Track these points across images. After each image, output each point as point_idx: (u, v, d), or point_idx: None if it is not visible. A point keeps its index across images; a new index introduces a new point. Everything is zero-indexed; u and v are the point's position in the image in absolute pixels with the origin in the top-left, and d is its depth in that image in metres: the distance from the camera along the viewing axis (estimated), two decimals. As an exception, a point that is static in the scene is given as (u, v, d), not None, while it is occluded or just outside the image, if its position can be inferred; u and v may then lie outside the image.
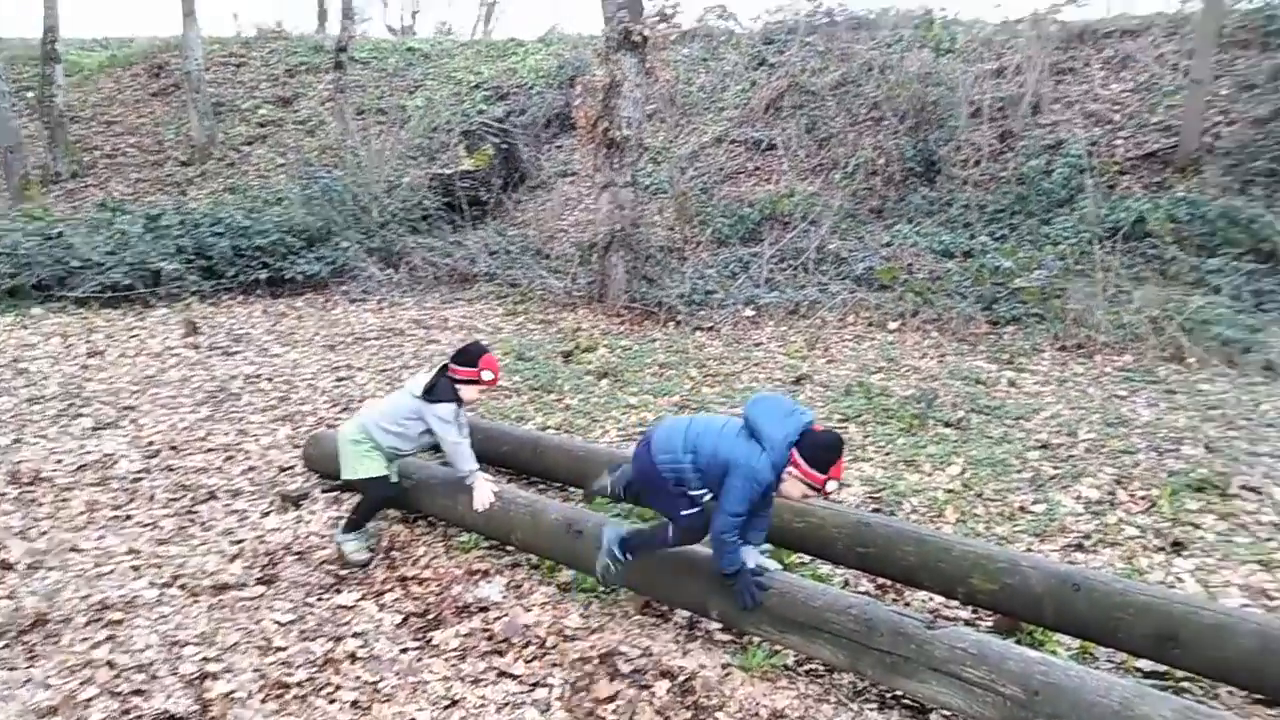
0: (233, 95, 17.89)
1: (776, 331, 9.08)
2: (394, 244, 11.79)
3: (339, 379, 7.43)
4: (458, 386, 4.16)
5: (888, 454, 5.63)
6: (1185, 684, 3.24)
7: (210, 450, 5.78)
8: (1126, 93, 11.75)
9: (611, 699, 3.22)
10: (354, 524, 4.33)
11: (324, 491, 4.96)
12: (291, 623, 3.76)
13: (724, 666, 3.39)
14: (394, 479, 4.42)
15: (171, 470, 5.42)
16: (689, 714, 3.13)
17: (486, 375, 4.15)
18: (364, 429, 4.33)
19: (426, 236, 12.27)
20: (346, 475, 4.42)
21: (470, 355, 4.16)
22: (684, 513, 3.26)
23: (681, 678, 3.33)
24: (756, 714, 3.13)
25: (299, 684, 3.29)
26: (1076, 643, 3.50)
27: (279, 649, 3.54)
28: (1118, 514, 4.65)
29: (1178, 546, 4.27)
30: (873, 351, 8.17)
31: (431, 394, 4.17)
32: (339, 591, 4.04)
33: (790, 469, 3.00)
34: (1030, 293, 8.68)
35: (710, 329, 9.27)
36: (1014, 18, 13.55)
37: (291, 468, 5.49)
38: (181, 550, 4.39)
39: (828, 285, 9.98)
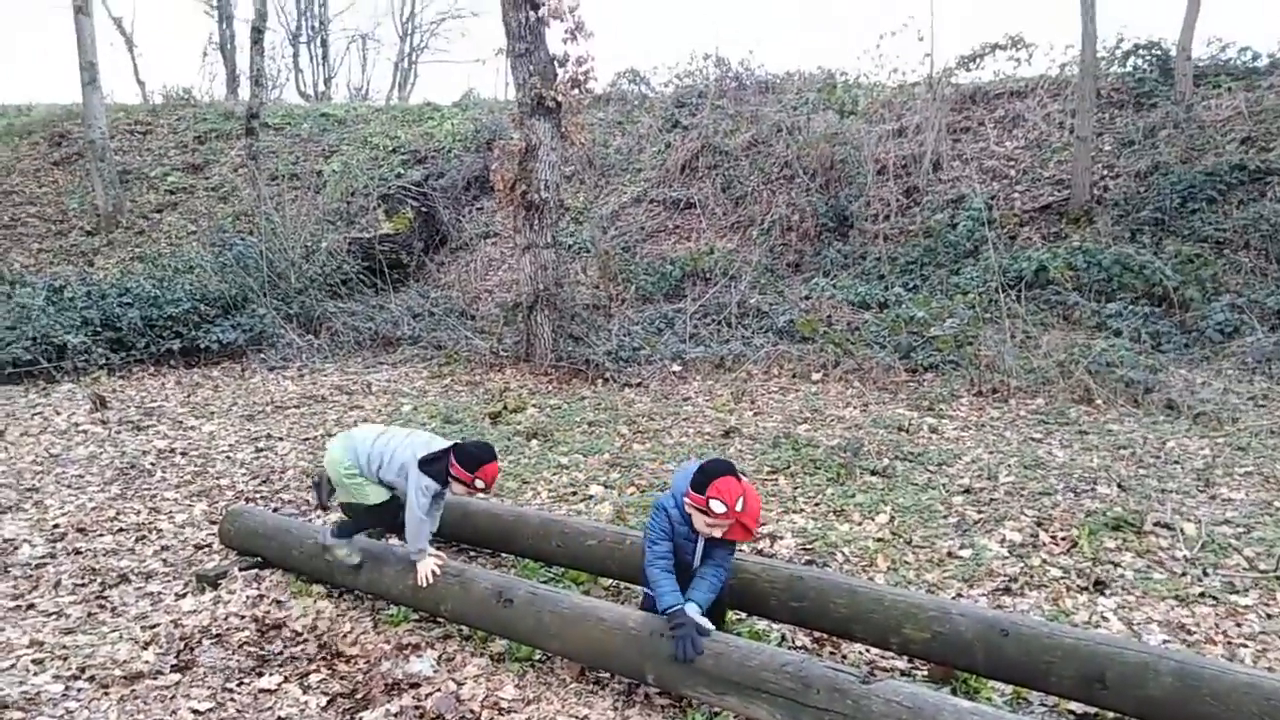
0: (140, 163, 17.45)
1: (704, 386, 9.17)
2: (313, 309, 11.58)
3: (258, 450, 7.19)
4: (450, 478, 4.02)
5: (818, 504, 5.70)
6: (1114, 723, 3.32)
7: (121, 531, 5.50)
8: (1020, 149, 12.43)
9: (552, 774, 3.13)
10: (345, 530, 4.26)
11: (242, 569, 4.75)
12: (210, 710, 3.56)
13: (666, 732, 3.34)
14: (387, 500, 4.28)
15: (79, 554, 5.13)
16: (632, 785, 3.06)
17: (479, 484, 3.98)
18: (360, 468, 4.17)
19: (347, 301, 12.09)
20: (341, 499, 4.34)
21: (473, 462, 3.96)
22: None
23: (622, 747, 3.27)
24: (700, 780, 3.09)
25: (220, 780, 3.11)
26: (1010, 688, 3.56)
27: (198, 743, 3.35)
28: (1041, 555, 4.78)
29: (1100, 586, 4.41)
30: (798, 403, 8.31)
31: (427, 466, 4.03)
32: (260, 675, 3.85)
33: (686, 500, 3.32)
34: (944, 341, 8.99)
35: (638, 385, 9.30)
36: (910, 81, 14.26)
37: (208, 545, 5.25)
38: (90, 639, 4.13)
39: (751, 339, 10.17)
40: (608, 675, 3.76)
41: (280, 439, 7.50)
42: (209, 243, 12.91)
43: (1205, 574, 4.46)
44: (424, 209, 14.12)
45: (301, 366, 10.42)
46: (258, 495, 6.15)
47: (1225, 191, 10.07)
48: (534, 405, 8.49)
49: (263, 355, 10.71)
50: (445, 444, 4.12)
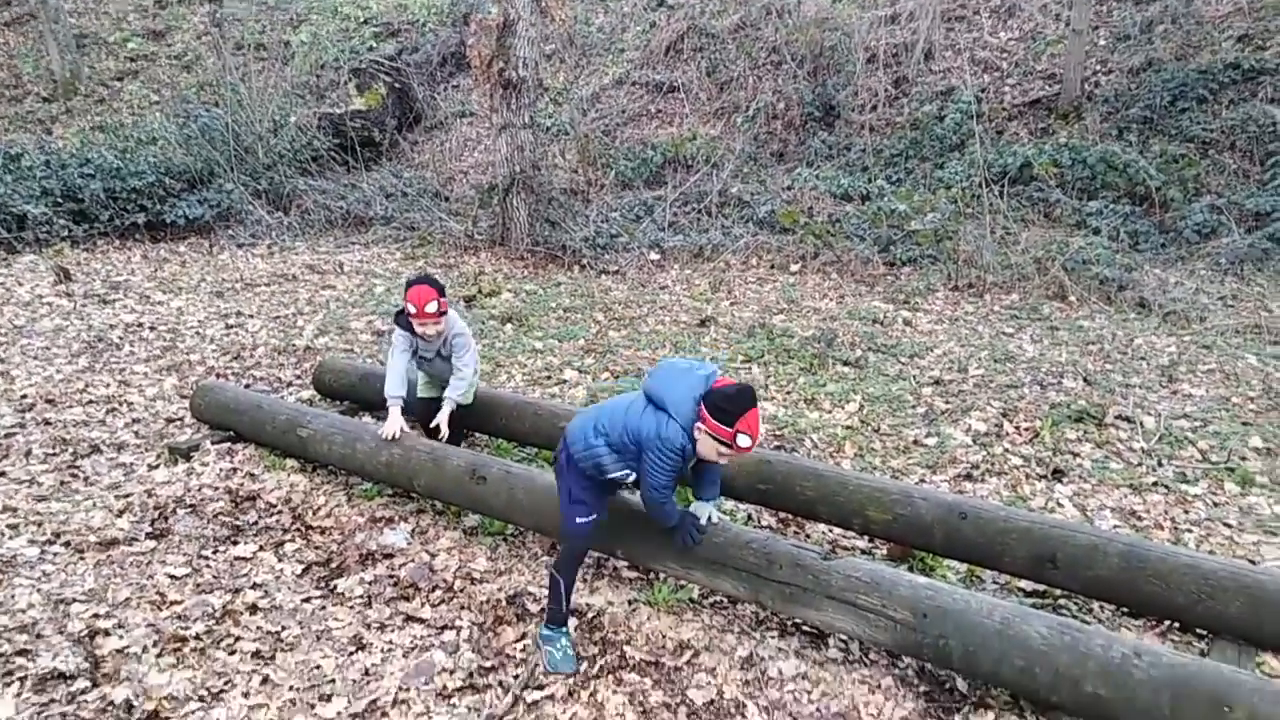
0: (97, 27, 16.58)
1: (681, 275, 9.12)
2: (282, 186, 11.27)
3: (228, 326, 7.11)
4: (405, 317, 4.12)
5: (789, 393, 5.76)
6: (1063, 601, 3.47)
7: (91, 403, 5.47)
8: (1013, 41, 12.09)
9: (520, 638, 3.24)
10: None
11: (215, 443, 4.77)
12: (186, 576, 3.63)
13: (630, 603, 3.45)
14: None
15: (49, 424, 5.11)
16: (596, 649, 3.18)
17: (409, 307, 4.00)
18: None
19: (318, 179, 11.77)
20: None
21: (406, 287, 4.07)
22: (576, 520, 3.10)
23: (589, 615, 3.38)
24: (663, 646, 3.21)
25: (196, 636, 3.19)
26: (964, 567, 3.70)
27: (174, 603, 3.42)
28: (1004, 444, 4.90)
29: (1058, 474, 4.53)
30: (775, 293, 8.30)
31: (398, 318, 4.18)
32: (235, 544, 3.91)
33: (699, 425, 2.82)
34: (925, 235, 8.95)
35: (615, 272, 9.24)
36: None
37: (180, 419, 5.25)
38: (64, 506, 4.17)
39: (731, 228, 10.06)
40: (577, 549, 3.85)
41: (251, 316, 7.41)
42: (173, 113, 12.42)
43: (1160, 464, 4.60)
44: (397, 85, 13.62)
45: (271, 244, 10.22)
46: (229, 371, 6.12)
47: (1217, 91, 9.90)
48: (509, 290, 8.43)
49: (231, 232, 10.48)
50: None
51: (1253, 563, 3.62)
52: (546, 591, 3.24)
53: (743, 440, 2.77)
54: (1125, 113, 10.08)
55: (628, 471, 3.04)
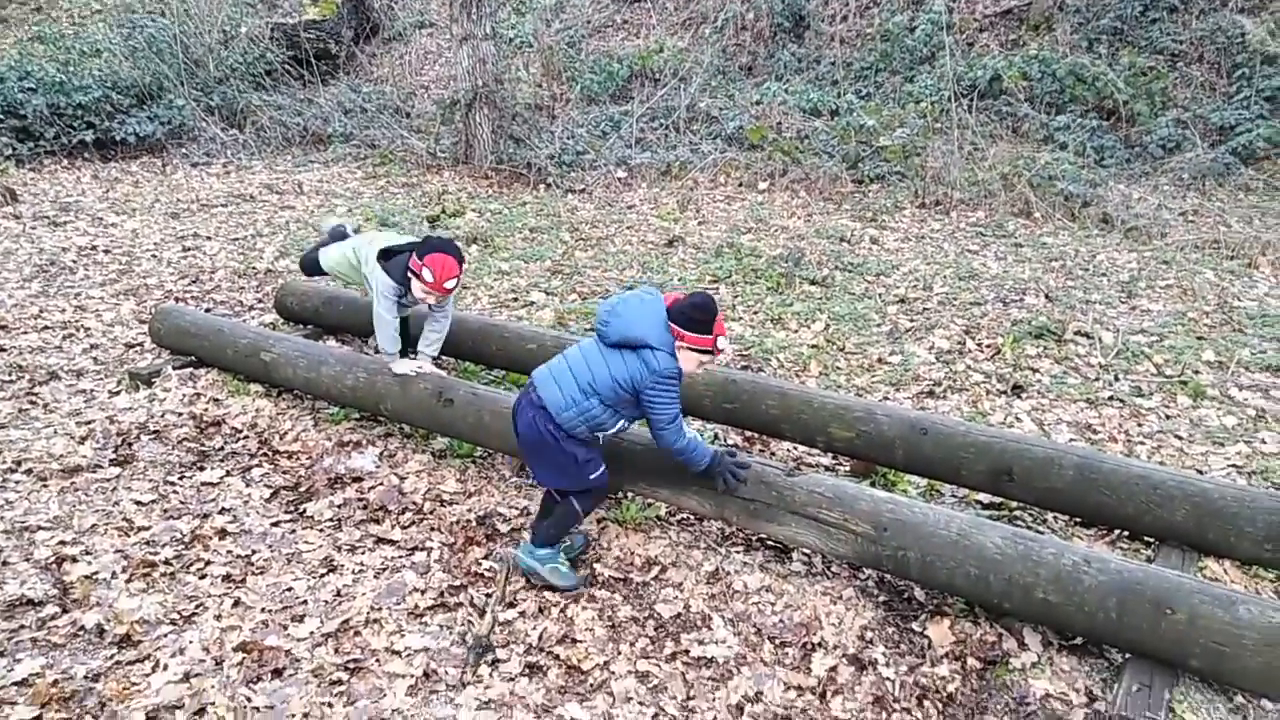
0: (30, -73, 15.64)
1: (649, 193, 9.01)
2: (236, 102, 10.87)
3: (186, 249, 6.95)
4: (409, 274, 3.72)
5: (756, 313, 5.78)
6: (1018, 513, 3.58)
7: (46, 328, 5.36)
8: (989, -53, 11.81)
9: (487, 556, 3.30)
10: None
11: (177, 368, 4.71)
12: (153, 502, 3.62)
13: (599, 522, 3.50)
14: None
15: (3, 351, 5.00)
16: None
17: (426, 275, 3.60)
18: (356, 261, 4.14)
19: (273, 94, 11.36)
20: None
21: (422, 251, 3.65)
22: (591, 476, 3.02)
23: (559, 534, 3.43)
24: (632, 563, 3.28)
25: (166, 561, 3.20)
26: (925, 482, 3.79)
27: (141, 529, 3.42)
28: (966, 361, 4.97)
29: (1018, 389, 4.62)
30: (743, 212, 8.24)
31: (385, 259, 3.85)
32: (202, 469, 3.90)
33: (678, 344, 2.83)
34: (893, 151, 8.88)
35: (582, 191, 9.11)
36: None
37: (139, 344, 5.17)
38: (24, 434, 4.11)
39: (699, 145, 9.92)
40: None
41: (208, 238, 7.24)
42: (116, 23, 11.81)
43: (1116, 379, 4.70)
44: (353, -7, 13.08)
45: (227, 163, 9.92)
46: (188, 295, 6.00)
47: (1187, 0, 9.80)
48: (473, 209, 8.29)
49: (184, 150, 10.14)
50: (410, 239, 3.93)
51: (1200, 472, 3.74)
52: (516, 511, 3.26)
53: (722, 343, 2.87)
54: (1096, 23, 9.96)
55: (624, 424, 3.02)
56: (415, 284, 3.71)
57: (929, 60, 10.28)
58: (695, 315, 2.80)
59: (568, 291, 6.18)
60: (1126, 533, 3.34)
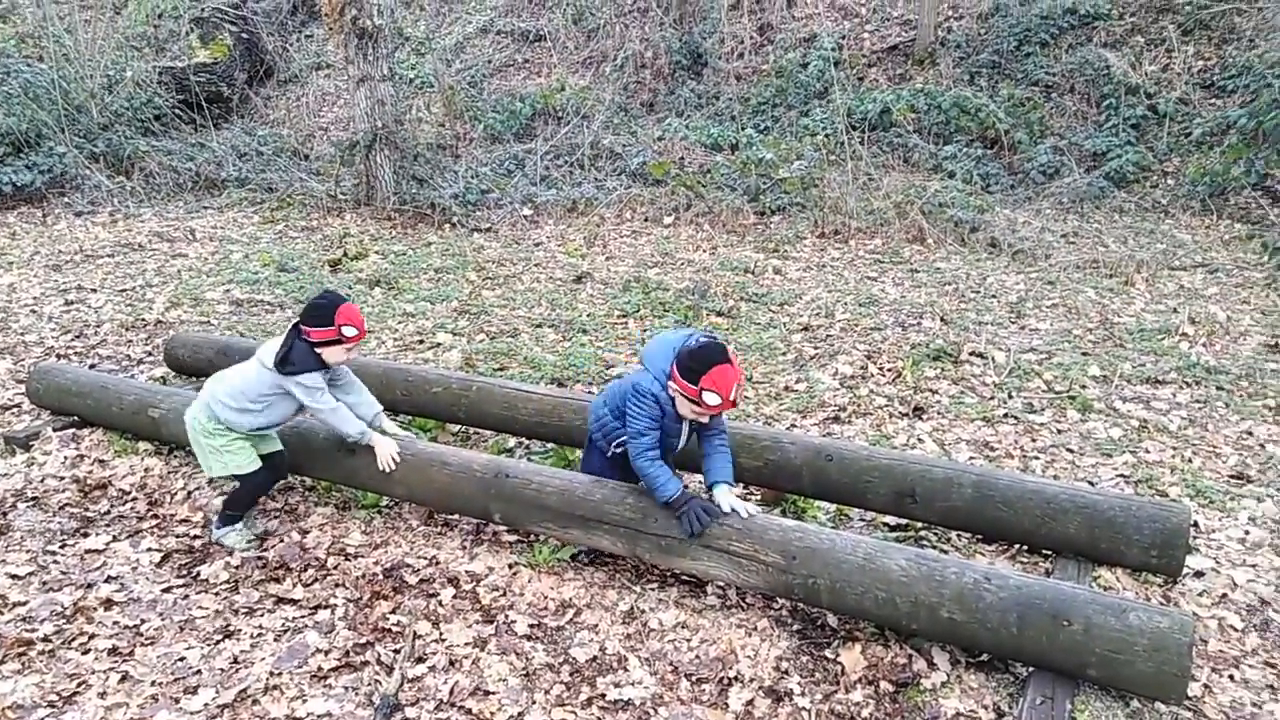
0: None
1: (556, 230, 9.02)
2: (122, 148, 10.47)
3: (69, 302, 6.61)
4: (318, 350, 3.39)
5: (664, 346, 5.80)
6: (923, 533, 3.66)
7: (-90, 394, 5.01)
8: (873, -13, 12.34)
9: (396, 609, 3.19)
10: (230, 518, 3.64)
11: (57, 429, 4.45)
12: (31, 575, 3.39)
13: (511, 566, 3.43)
14: (272, 452, 3.69)
15: None
16: (479, 616, 3.16)
17: (348, 331, 3.34)
18: (216, 417, 3.46)
19: (162, 139, 11.01)
20: (214, 473, 3.62)
21: (323, 312, 3.32)
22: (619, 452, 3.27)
23: (469, 583, 3.35)
24: (546, 607, 3.22)
25: (45, 638, 2.99)
26: (833, 507, 3.84)
27: (17, 604, 3.19)
28: (869, 386, 5.09)
29: (919, 411, 4.75)
30: (649, 246, 8.32)
31: (288, 365, 3.36)
32: (86, 536, 3.67)
33: (671, 384, 2.87)
34: (792, 183, 9.12)
35: (488, 230, 9.06)
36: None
37: (16, 406, 4.87)
38: (-116, 511, 3.82)
39: (604, 181, 10.00)
40: (456, 517, 3.80)
41: (93, 290, 6.91)
42: (-11, 70, 11.31)
43: (1010, 396, 4.88)
44: (245, 35, 12.81)
45: (114, 211, 9.52)
46: (71, 351, 5.70)
47: (1057, 35, 10.41)
48: (377, 252, 8.14)
49: (67, 199, 9.70)
50: (278, 340, 3.47)
51: (1091, 484, 3.90)
52: (424, 561, 3.18)
53: (709, 398, 2.79)
54: (976, 58, 10.49)
55: None
56: (333, 351, 3.39)
57: (822, 95, 10.64)
58: (687, 361, 2.84)
59: (475, 331, 6.11)
60: (1025, 547, 3.45)
